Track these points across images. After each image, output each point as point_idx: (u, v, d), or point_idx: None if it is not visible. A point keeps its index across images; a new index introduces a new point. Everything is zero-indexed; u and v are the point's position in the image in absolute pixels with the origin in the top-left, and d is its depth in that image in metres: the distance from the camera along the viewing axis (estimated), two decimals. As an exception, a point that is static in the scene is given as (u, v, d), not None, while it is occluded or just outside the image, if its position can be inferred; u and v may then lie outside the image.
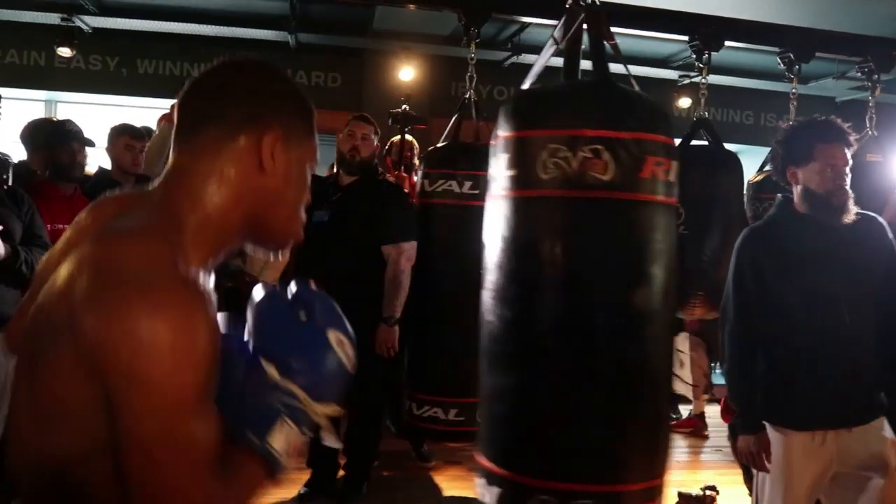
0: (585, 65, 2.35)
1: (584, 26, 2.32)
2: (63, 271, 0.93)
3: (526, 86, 2.40)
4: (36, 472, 0.95)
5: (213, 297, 0.96)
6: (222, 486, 0.92)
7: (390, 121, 4.31)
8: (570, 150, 1.97)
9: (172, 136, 1.05)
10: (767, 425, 2.39)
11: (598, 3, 2.29)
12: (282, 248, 1.13)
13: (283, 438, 0.98)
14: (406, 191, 4.06)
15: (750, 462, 2.43)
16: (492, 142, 2.22)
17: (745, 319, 2.40)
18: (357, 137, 3.55)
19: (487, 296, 2.18)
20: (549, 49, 2.38)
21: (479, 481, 2.19)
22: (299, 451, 1.04)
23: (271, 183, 1.04)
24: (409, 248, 3.51)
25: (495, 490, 2.10)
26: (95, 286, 0.87)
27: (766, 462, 2.37)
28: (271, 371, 0.99)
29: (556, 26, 2.41)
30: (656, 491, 2.09)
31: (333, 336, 1.04)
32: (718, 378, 5.58)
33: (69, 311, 0.88)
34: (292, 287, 1.07)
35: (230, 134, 1.02)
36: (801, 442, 2.35)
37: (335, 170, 4.02)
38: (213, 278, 1.02)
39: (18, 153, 4.23)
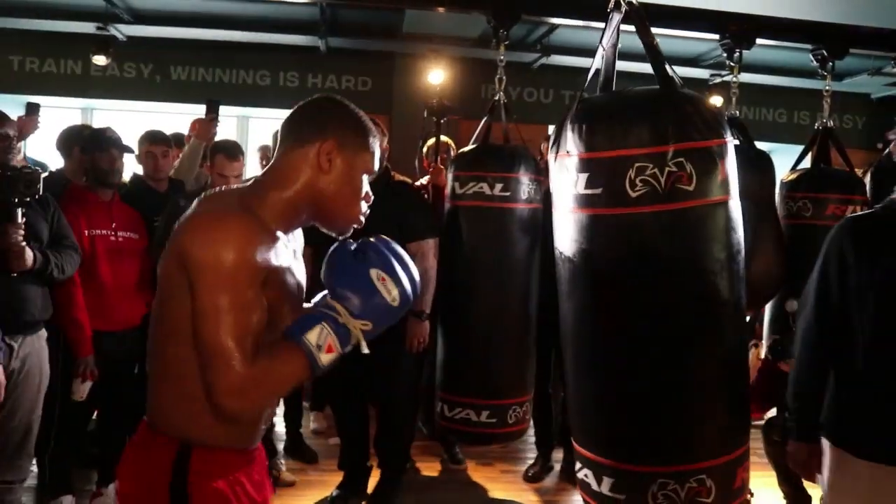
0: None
1: (626, 27, 2.34)
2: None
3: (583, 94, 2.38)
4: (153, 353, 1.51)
5: (279, 243, 1.47)
6: (264, 358, 1.37)
7: (426, 113, 4.31)
8: (658, 166, 2.06)
9: (278, 143, 1.53)
10: (840, 450, 2.09)
11: (636, 3, 2.31)
12: (343, 231, 1.55)
13: (316, 336, 1.37)
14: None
15: (801, 471, 2.26)
16: (557, 155, 2.26)
17: (825, 314, 2.12)
18: None
19: (573, 308, 2.31)
20: (599, 55, 2.37)
21: (585, 472, 2.33)
22: (333, 354, 1.41)
23: (328, 180, 1.48)
24: (435, 244, 3.55)
25: (608, 480, 2.24)
26: (191, 219, 1.42)
27: (817, 474, 2.17)
28: (326, 294, 1.44)
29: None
30: (748, 453, 2.31)
31: (374, 272, 1.42)
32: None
33: (174, 241, 1.40)
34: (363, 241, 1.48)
35: (302, 144, 1.48)
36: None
37: None
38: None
39: (56, 160, 4.32)
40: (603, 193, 2.11)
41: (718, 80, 6.89)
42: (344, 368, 3.47)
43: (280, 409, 4.04)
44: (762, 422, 3.66)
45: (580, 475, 2.38)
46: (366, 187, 1.54)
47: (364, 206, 1.55)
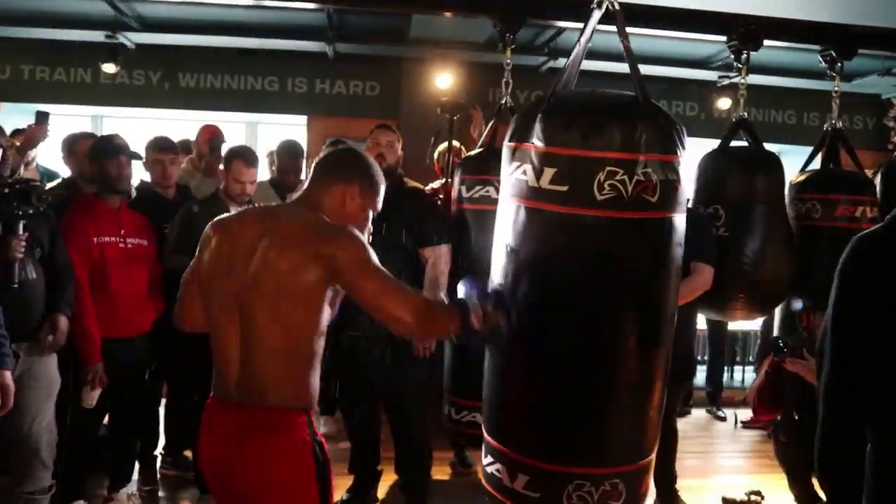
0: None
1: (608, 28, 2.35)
2: (265, 251, 1.96)
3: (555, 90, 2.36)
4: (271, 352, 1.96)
5: None
6: (433, 301, 2.25)
7: (438, 110, 4.31)
8: (627, 173, 2.07)
9: (313, 176, 2.17)
10: None
11: (616, 5, 2.32)
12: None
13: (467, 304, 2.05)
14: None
15: None
16: (518, 144, 2.25)
17: (850, 377, 1.69)
18: (382, 145, 3.61)
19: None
20: (578, 52, 2.38)
21: (497, 466, 2.34)
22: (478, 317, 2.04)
23: (349, 210, 2.12)
24: (447, 250, 3.56)
25: (523, 478, 2.26)
26: (324, 231, 2.00)
27: None
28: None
29: (598, 31, 2.42)
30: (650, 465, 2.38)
31: (471, 300, 2.08)
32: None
33: (304, 249, 1.95)
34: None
35: (334, 184, 2.13)
36: None
37: None
38: None
39: (64, 168, 4.35)
40: (569, 191, 2.11)
41: (727, 81, 6.88)
42: (353, 372, 3.53)
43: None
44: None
45: (490, 469, 2.39)
46: (370, 216, 2.19)
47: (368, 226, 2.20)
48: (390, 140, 3.65)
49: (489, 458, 2.40)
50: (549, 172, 2.14)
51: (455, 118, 4.31)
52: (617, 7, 2.32)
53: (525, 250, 2.22)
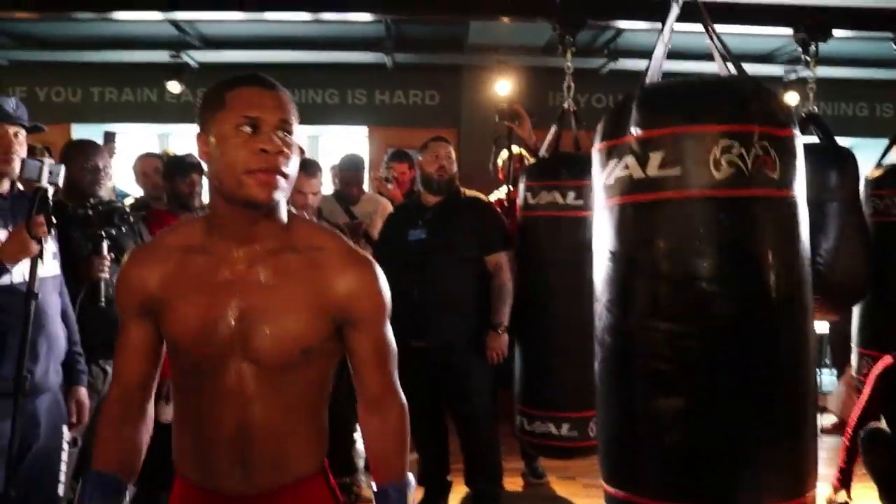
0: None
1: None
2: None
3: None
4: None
5: None
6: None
7: (497, 117, 4.31)
8: (744, 146, 1.89)
9: None
10: None
11: None
12: None
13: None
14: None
15: None
16: (613, 142, 2.09)
17: None
18: (442, 157, 3.61)
19: (623, 310, 2.08)
20: (660, 48, 2.29)
21: None
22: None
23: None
24: (510, 257, 3.57)
25: None
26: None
27: None
28: None
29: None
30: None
31: None
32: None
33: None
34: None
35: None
36: None
37: (412, 191, 4.08)
38: None
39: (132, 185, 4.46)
40: (682, 175, 1.92)
41: (794, 76, 6.69)
42: (421, 382, 3.53)
43: (358, 426, 4.06)
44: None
45: None
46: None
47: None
48: (448, 151, 3.66)
49: None
50: (655, 157, 1.95)
51: (513, 124, 4.28)
52: None
53: (638, 253, 2.03)
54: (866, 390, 3.39)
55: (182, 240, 1.49)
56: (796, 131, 2.03)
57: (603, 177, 2.12)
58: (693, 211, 1.95)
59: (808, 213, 2.07)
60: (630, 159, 2.00)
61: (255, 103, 1.37)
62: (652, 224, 2.00)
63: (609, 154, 2.09)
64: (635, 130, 2.00)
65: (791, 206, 1.99)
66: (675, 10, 2.26)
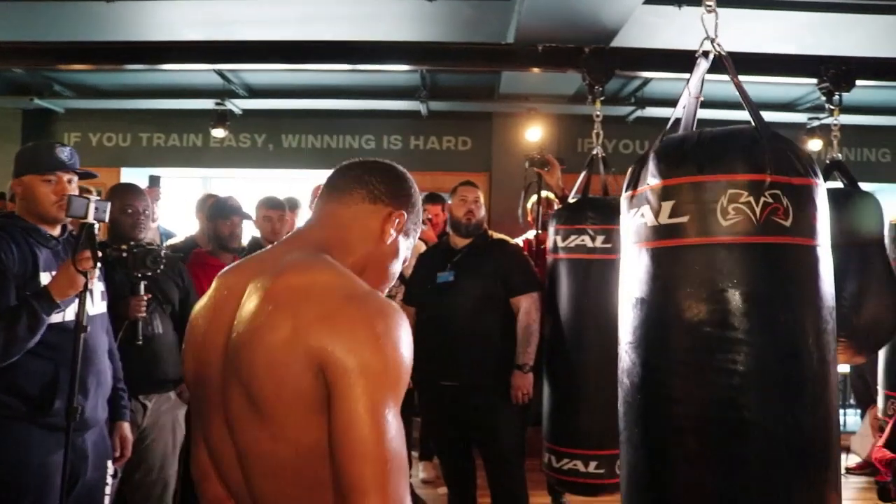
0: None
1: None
2: (251, 312, 1.20)
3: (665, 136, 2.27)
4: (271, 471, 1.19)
5: None
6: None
7: (527, 164, 4.43)
8: (753, 195, 1.91)
9: (328, 191, 1.42)
10: None
11: (723, 51, 2.29)
12: None
13: None
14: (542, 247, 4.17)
15: None
16: (634, 192, 2.18)
17: None
18: (470, 202, 3.74)
19: (645, 354, 2.09)
20: (685, 100, 2.35)
21: None
22: None
23: (384, 250, 1.39)
24: (537, 298, 3.65)
25: None
26: (320, 307, 1.15)
27: None
28: None
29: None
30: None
31: None
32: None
33: (293, 332, 1.13)
34: None
35: (366, 203, 1.38)
36: None
37: (445, 232, 4.20)
38: None
39: (179, 226, 4.64)
40: (689, 221, 1.96)
41: (817, 123, 6.78)
42: (450, 419, 3.62)
43: None
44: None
45: None
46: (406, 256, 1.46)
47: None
48: (476, 196, 3.78)
49: None
50: (667, 207, 2.00)
51: (543, 171, 4.41)
52: (724, 53, 2.28)
53: (653, 298, 2.06)
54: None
55: None
56: (817, 180, 2.03)
57: (626, 223, 2.20)
58: (699, 257, 1.98)
59: (831, 260, 2.05)
60: (646, 208, 2.07)
61: None
62: (663, 269, 2.05)
63: (630, 202, 2.17)
64: (652, 181, 2.08)
65: (807, 253, 1.98)
66: (703, 66, 2.33)
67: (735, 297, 1.94)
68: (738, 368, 1.93)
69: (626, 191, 2.24)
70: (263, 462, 1.20)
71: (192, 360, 1.31)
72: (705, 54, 2.32)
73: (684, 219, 1.98)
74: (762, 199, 1.91)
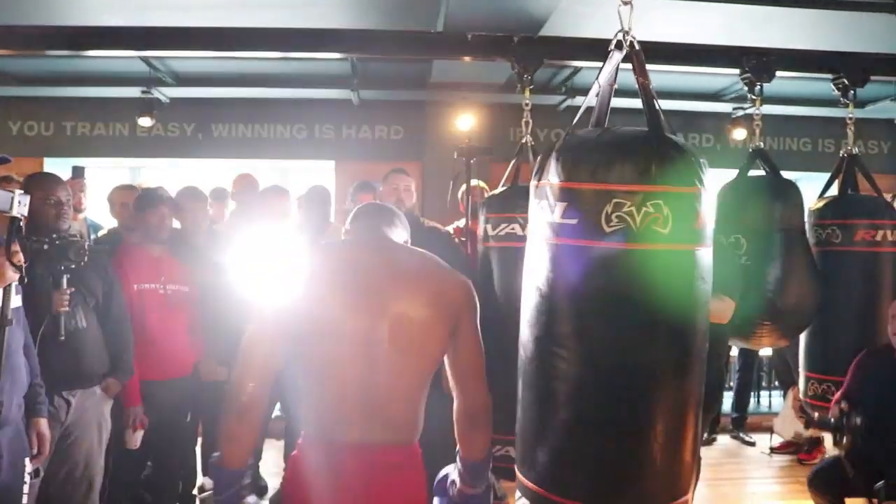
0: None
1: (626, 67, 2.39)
2: (397, 291, 2.09)
3: (573, 129, 2.38)
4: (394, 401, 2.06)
5: None
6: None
7: (456, 154, 4.44)
8: (635, 205, 2.05)
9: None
10: None
11: (636, 45, 2.34)
12: None
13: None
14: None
15: None
16: (538, 183, 2.28)
17: None
18: (401, 189, 3.73)
19: (535, 336, 2.30)
20: (594, 93, 2.40)
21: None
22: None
23: None
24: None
25: None
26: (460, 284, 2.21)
27: None
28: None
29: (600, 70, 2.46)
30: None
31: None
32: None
33: (436, 294, 2.15)
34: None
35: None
36: None
37: None
38: None
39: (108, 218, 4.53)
40: (578, 224, 2.12)
41: (741, 112, 6.96)
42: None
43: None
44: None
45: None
46: None
47: None
48: (407, 184, 3.78)
49: (522, 500, 2.38)
50: (561, 206, 2.15)
51: (472, 160, 4.42)
52: (637, 47, 2.33)
53: (548, 288, 2.21)
54: (847, 378, 3.70)
55: None
56: (702, 187, 2.15)
57: (532, 212, 2.31)
58: (584, 258, 2.12)
59: (710, 261, 2.23)
60: (545, 203, 2.20)
61: None
62: (557, 264, 2.18)
63: (535, 192, 2.29)
64: (553, 178, 2.19)
65: (681, 259, 2.13)
66: (616, 57, 2.37)
67: (613, 298, 2.11)
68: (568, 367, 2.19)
69: (533, 178, 2.33)
70: (398, 388, 2.08)
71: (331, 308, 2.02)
72: (619, 46, 2.36)
73: (574, 221, 2.12)
74: (643, 209, 2.05)
